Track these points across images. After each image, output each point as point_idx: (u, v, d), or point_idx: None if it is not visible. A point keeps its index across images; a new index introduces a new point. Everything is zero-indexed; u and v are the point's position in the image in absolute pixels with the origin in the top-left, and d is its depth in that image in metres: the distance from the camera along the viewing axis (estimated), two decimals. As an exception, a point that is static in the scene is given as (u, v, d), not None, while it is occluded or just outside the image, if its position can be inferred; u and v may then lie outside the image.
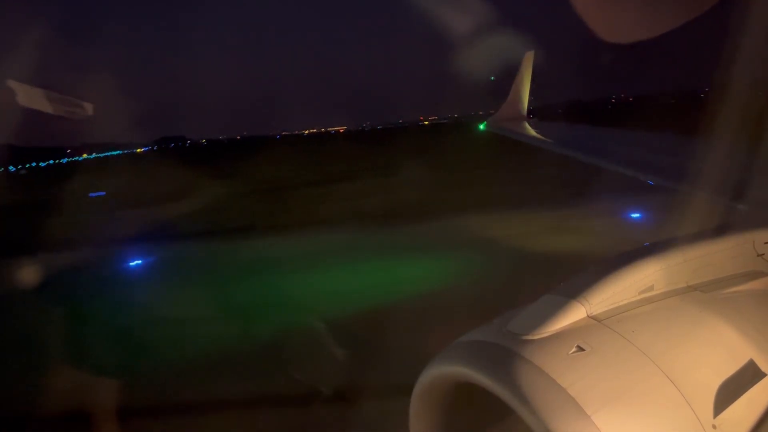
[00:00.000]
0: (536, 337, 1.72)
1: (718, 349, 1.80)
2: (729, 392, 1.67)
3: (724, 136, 3.44)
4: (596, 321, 1.80)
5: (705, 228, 2.48)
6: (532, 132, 10.53)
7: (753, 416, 1.69)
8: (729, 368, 1.74)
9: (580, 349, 1.67)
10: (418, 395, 1.88)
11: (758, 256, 2.33)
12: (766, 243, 2.35)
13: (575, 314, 1.80)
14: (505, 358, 1.66)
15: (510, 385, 1.57)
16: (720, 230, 2.43)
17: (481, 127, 14.14)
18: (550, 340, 1.71)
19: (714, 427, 1.59)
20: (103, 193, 37.58)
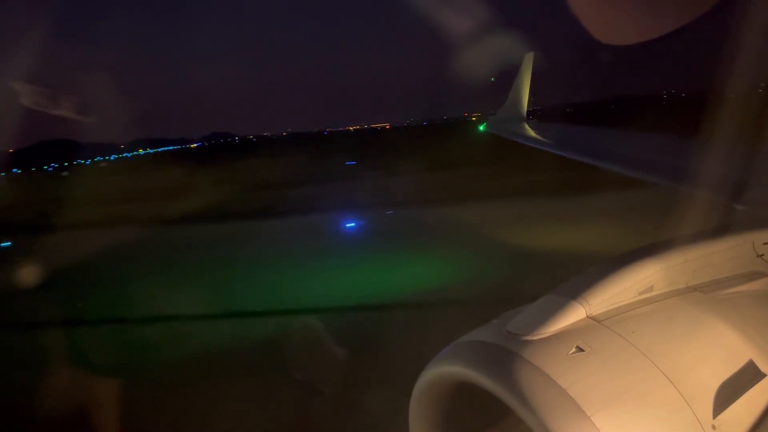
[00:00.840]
0: (536, 337, 1.72)
1: (717, 349, 1.81)
2: (728, 393, 1.67)
3: (723, 137, 3.44)
4: (596, 321, 1.80)
5: (705, 229, 2.48)
6: (532, 133, 10.54)
7: (752, 417, 1.69)
8: (728, 369, 1.74)
9: (580, 349, 1.67)
10: (417, 395, 1.88)
11: (758, 256, 2.33)
12: (765, 244, 2.35)
13: (575, 315, 1.80)
14: (504, 358, 1.66)
15: (510, 386, 1.57)
16: (720, 231, 2.43)
17: (481, 128, 14.13)
18: (550, 340, 1.71)
19: (713, 427, 1.59)
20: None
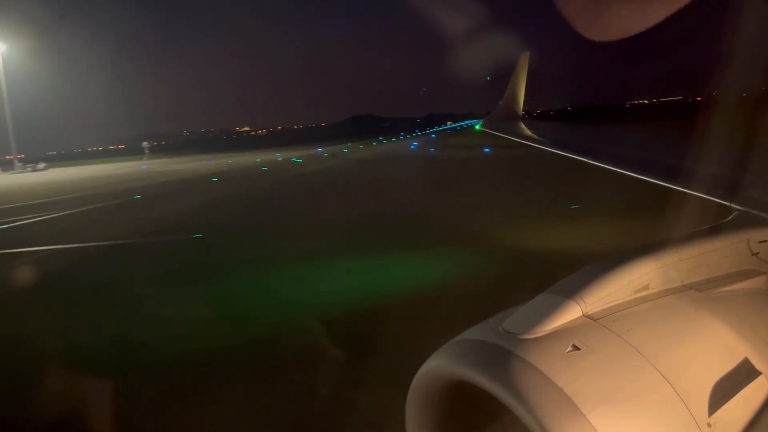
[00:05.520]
0: (532, 336, 1.72)
1: (713, 347, 1.81)
2: (724, 391, 1.68)
3: (718, 135, 3.45)
4: (592, 320, 1.80)
5: (700, 227, 2.49)
6: (528, 132, 10.55)
7: (748, 415, 1.69)
8: (724, 367, 1.74)
9: (576, 348, 1.66)
10: (413, 395, 1.87)
11: (753, 255, 2.34)
12: (760, 242, 2.36)
13: (571, 313, 1.80)
14: (500, 357, 1.66)
15: (506, 385, 1.56)
16: (715, 229, 2.44)
17: (477, 127, 14.15)
18: (546, 339, 1.71)
19: (709, 425, 1.59)
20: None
